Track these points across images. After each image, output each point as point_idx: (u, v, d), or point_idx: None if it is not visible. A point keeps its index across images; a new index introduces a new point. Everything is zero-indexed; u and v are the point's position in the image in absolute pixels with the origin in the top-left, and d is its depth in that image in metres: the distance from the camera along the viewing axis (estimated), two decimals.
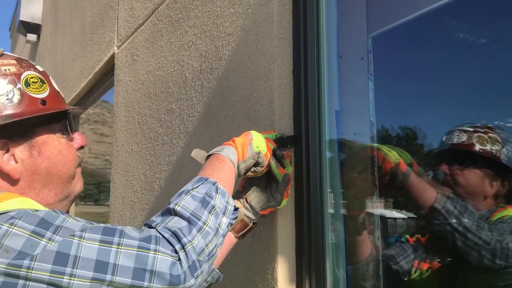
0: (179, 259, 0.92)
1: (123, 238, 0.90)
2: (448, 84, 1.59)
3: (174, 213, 0.99)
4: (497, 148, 1.57)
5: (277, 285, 1.40)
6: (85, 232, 0.89)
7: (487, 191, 1.58)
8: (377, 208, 1.56)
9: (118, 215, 2.84)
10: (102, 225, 0.94)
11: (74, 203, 4.98)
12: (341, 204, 1.50)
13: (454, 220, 1.42)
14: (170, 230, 0.94)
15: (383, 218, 1.69)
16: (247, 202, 1.32)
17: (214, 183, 1.08)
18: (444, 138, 1.66)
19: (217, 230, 1.03)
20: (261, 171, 1.30)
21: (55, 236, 0.87)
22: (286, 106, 1.49)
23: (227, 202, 1.09)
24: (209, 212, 1.02)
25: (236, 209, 1.14)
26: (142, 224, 1.05)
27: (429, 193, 1.49)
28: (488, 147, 1.56)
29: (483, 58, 1.54)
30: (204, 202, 1.03)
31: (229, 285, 1.61)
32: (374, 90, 1.64)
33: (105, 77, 3.56)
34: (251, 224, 1.31)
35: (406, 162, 1.49)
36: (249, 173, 1.30)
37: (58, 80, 4.93)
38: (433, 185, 1.60)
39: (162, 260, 0.90)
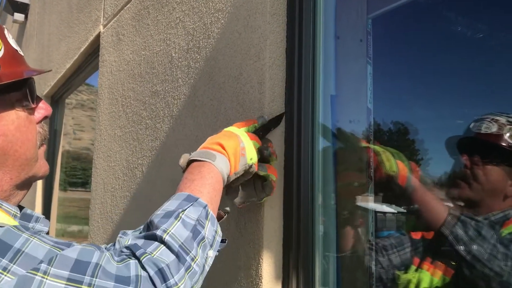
0: None
1: (96, 278, 0.75)
2: (453, 71, 1.48)
3: (162, 241, 0.85)
4: None
5: (261, 281, 1.29)
6: (51, 266, 0.73)
7: (508, 191, 1.42)
8: (371, 202, 1.44)
9: (99, 202, 2.71)
10: (76, 250, 0.78)
11: (63, 189, 4.81)
12: (333, 196, 1.39)
13: (462, 248, 1.29)
14: (156, 266, 0.81)
15: (377, 212, 1.58)
16: (226, 195, 1.20)
17: (205, 207, 0.95)
18: (471, 125, 1.49)
19: (204, 267, 0.90)
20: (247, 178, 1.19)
21: (12, 265, 0.71)
22: (277, 89, 1.37)
23: (216, 232, 0.96)
24: (198, 245, 0.89)
25: (223, 240, 1.02)
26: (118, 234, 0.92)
27: (437, 213, 1.35)
28: None
29: (492, 40, 1.43)
30: (195, 233, 0.90)
31: (210, 280, 1.50)
32: (373, 75, 1.52)
33: (91, 58, 3.42)
34: (225, 216, 1.20)
35: (407, 172, 1.35)
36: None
37: (44, 61, 4.77)
38: (445, 201, 1.46)
39: None
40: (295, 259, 1.28)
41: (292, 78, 1.36)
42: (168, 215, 0.90)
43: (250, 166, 1.13)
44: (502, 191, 1.40)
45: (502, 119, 1.41)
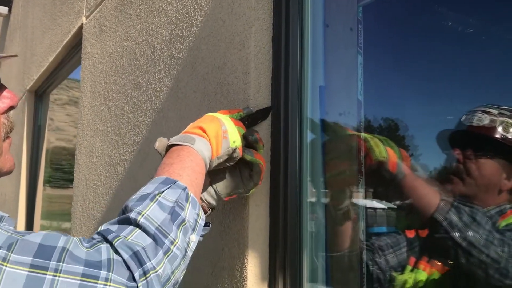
0: None
1: (63, 263, 0.67)
2: (447, 61, 1.41)
3: (136, 224, 0.78)
4: None
5: (246, 283, 1.22)
6: (11, 253, 0.65)
7: (503, 185, 1.37)
8: (362, 197, 1.37)
9: (81, 199, 2.62)
10: (40, 235, 0.70)
11: (47, 187, 4.70)
12: (322, 193, 1.32)
13: (457, 234, 1.22)
14: (131, 249, 0.74)
15: (369, 208, 1.52)
16: (211, 187, 1.13)
17: (184, 189, 0.88)
18: (463, 118, 1.44)
19: (186, 251, 0.83)
20: (231, 165, 1.11)
21: None
22: (263, 79, 1.29)
23: (198, 215, 0.89)
24: (178, 227, 0.82)
25: (207, 224, 0.94)
26: (95, 228, 0.83)
27: (429, 199, 1.29)
28: (511, 134, 1.34)
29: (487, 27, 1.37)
30: (173, 215, 0.82)
31: (193, 280, 1.42)
32: (364, 66, 1.45)
33: (74, 51, 3.31)
34: (209, 211, 1.12)
35: (397, 159, 1.29)
36: (218, 167, 1.10)
37: (28, 55, 4.64)
38: (437, 188, 1.40)
39: None
40: (282, 259, 1.21)
41: (279, 68, 1.28)
42: (143, 198, 0.84)
43: (234, 150, 1.06)
44: (497, 185, 1.35)
45: (494, 111, 1.37)
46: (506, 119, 1.35)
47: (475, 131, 1.37)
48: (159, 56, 1.82)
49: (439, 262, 1.39)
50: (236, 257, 1.25)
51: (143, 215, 0.79)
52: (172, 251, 0.79)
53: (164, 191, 0.85)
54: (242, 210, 1.25)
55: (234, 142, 1.06)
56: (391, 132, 1.54)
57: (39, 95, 4.55)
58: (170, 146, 1.01)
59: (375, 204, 1.54)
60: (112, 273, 0.70)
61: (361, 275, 1.29)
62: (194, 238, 0.86)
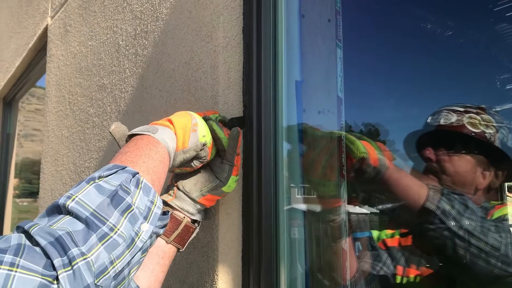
0: (57, 281, 0.57)
1: None
2: (430, 53, 1.30)
3: (65, 210, 0.65)
4: (491, 131, 1.31)
5: None
6: None
7: (479, 183, 1.31)
8: (344, 203, 1.26)
9: None
10: None
11: (16, 199, 4.49)
12: (301, 198, 1.20)
13: (452, 223, 1.13)
14: (51, 235, 0.60)
15: (352, 214, 1.40)
16: (179, 189, 0.99)
17: (134, 174, 0.74)
18: (429, 119, 1.39)
19: (133, 240, 0.68)
20: (197, 167, 0.98)
21: None
22: (233, 73, 1.17)
23: (152, 203, 0.74)
24: (122, 214, 0.68)
25: (165, 213, 0.80)
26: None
27: (417, 189, 1.19)
28: (480, 130, 1.30)
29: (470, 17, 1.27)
30: (114, 198, 0.68)
31: None
32: (343, 60, 1.34)
33: (41, 54, 3.15)
34: (185, 221, 0.98)
35: (377, 153, 1.20)
36: (181, 168, 0.97)
37: None
38: (423, 179, 1.32)
39: (21, 281, 0.55)
40: (256, 274, 1.08)
41: (251, 61, 1.15)
42: (78, 183, 0.70)
43: (203, 145, 0.93)
44: (472, 184, 1.30)
45: (460, 109, 1.31)
46: (473, 115, 1.31)
47: (444, 130, 1.32)
48: (124, 54, 1.68)
49: (432, 260, 1.30)
50: (205, 272, 1.12)
51: (73, 199, 0.65)
52: (111, 237, 0.65)
53: (107, 175, 0.71)
54: (211, 219, 1.12)
55: (203, 136, 0.94)
56: (374, 131, 1.44)
57: (8, 102, 4.36)
58: (130, 137, 0.89)
59: (357, 209, 1.43)
60: (20, 258, 0.56)
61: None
62: (146, 227, 0.71)
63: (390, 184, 1.19)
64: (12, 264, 0.55)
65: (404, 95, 1.34)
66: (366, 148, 1.19)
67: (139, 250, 0.69)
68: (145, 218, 0.72)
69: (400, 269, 1.38)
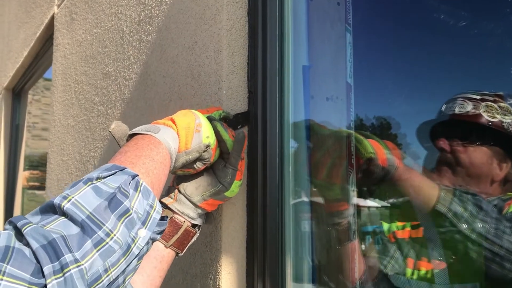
0: None
1: None
2: (445, 42, 1.25)
3: (61, 211, 0.61)
4: (509, 120, 1.25)
5: None
6: None
7: (495, 174, 1.26)
8: (353, 194, 1.21)
9: None
10: None
11: (25, 191, 4.49)
12: (307, 189, 1.15)
13: (464, 226, 1.07)
14: (44, 237, 0.56)
15: (362, 207, 1.36)
16: (180, 192, 0.95)
17: (134, 176, 0.70)
18: (443, 108, 1.33)
19: (129, 247, 0.65)
20: (199, 169, 0.93)
21: None
22: (238, 58, 1.12)
23: (151, 207, 0.71)
24: (118, 218, 0.64)
25: (164, 218, 0.76)
26: None
27: (428, 190, 1.14)
28: (498, 119, 1.24)
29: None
30: (112, 202, 0.65)
31: None
32: (353, 45, 1.29)
33: (49, 43, 3.13)
34: (185, 225, 0.94)
35: (385, 153, 1.15)
36: (183, 169, 0.92)
37: (5, 52, 4.45)
38: (436, 173, 1.27)
39: None
40: (261, 265, 1.04)
41: (256, 44, 1.11)
42: (75, 183, 0.66)
43: (206, 147, 0.89)
44: (488, 175, 1.25)
45: (476, 97, 1.25)
46: (490, 103, 1.25)
47: (459, 119, 1.26)
48: (128, 41, 1.64)
49: (444, 258, 1.25)
50: (208, 263, 1.08)
51: (69, 199, 0.62)
52: (107, 243, 0.61)
53: (105, 177, 0.68)
54: (215, 209, 1.08)
55: (207, 137, 0.89)
56: (383, 123, 1.39)
57: (16, 93, 4.35)
58: (131, 136, 0.85)
59: (368, 202, 1.38)
60: (7, 264, 0.52)
61: (352, 281, 1.13)
62: (144, 233, 0.67)
63: (399, 184, 1.14)
64: None
65: (415, 84, 1.29)
66: (374, 148, 1.14)
67: (135, 257, 0.66)
68: (143, 223, 0.68)
69: (410, 261, 1.33)
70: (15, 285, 0.51)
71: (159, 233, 0.73)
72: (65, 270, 0.55)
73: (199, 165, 0.92)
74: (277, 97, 1.09)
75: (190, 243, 0.95)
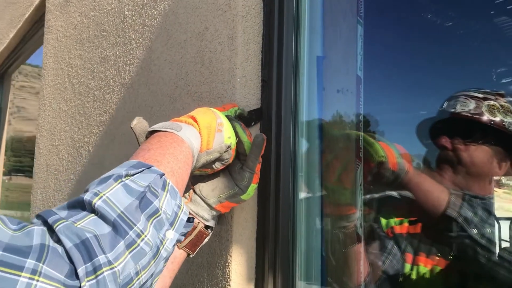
0: None
1: None
2: (456, 37, 1.25)
3: (91, 208, 0.59)
4: (510, 120, 1.26)
5: (229, 284, 1.03)
6: None
7: (495, 173, 1.27)
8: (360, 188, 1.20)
9: (41, 186, 2.38)
10: None
11: (10, 176, 4.39)
12: (318, 182, 1.14)
13: (474, 231, 1.08)
14: (77, 236, 0.54)
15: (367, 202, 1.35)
16: (195, 193, 0.93)
17: (161, 175, 0.68)
18: (445, 105, 1.34)
19: (158, 249, 0.63)
20: (217, 170, 0.91)
21: None
22: (252, 45, 1.10)
23: (179, 208, 0.69)
24: (148, 219, 0.62)
25: (190, 219, 0.74)
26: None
27: (438, 195, 1.14)
28: (499, 118, 1.24)
29: None
30: (143, 201, 0.63)
31: None
32: (364, 37, 1.28)
33: (38, 25, 3.04)
34: (199, 227, 0.91)
35: (396, 157, 1.14)
36: (201, 169, 0.90)
37: None
38: (435, 177, 1.27)
39: None
40: (272, 257, 1.03)
41: (271, 32, 1.09)
42: (104, 179, 0.64)
43: (228, 147, 0.87)
44: (488, 174, 1.25)
45: (478, 95, 1.26)
46: (492, 102, 1.25)
47: (461, 118, 1.26)
48: (130, 25, 1.60)
49: (443, 250, 1.25)
50: (217, 253, 1.06)
51: (101, 197, 0.60)
52: (139, 245, 0.60)
53: (134, 174, 0.66)
54: (224, 225, 1.06)
55: (229, 138, 0.87)
56: (390, 117, 1.38)
57: (0, 76, 4.24)
58: (151, 133, 0.82)
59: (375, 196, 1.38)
60: (43, 264, 0.50)
61: (359, 274, 1.13)
62: (171, 235, 0.66)
63: (409, 188, 1.14)
64: (34, 272, 0.49)
65: (420, 80, 1.28)
66: (385, 151, 1.13)
67: (163, 259, 0.64)
68: (171, 224, 0.67)
69: (409, 257, 1.33)
70: (50, 287, 0.49)
71: (183, 235, 0.71)
72: (98, 272, 0.53)
73: (217, 166, 0.90)
74: (291, 89, 1.07)
75: (202, 244, 0.93)
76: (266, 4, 1.11)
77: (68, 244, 0.53)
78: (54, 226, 0.54)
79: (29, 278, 0.48)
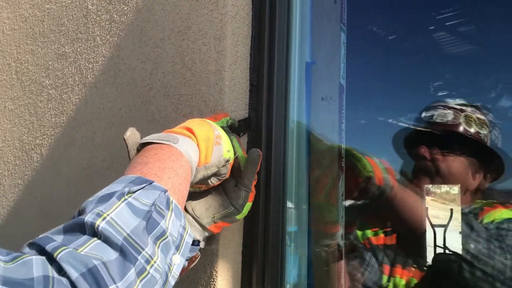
0: None
1: None
2: (446, 44, 1.25)
3: (92, 231, 0.52)
4: (485, 132, 1.28)
5: None
6: None
7: (470, 184, 1.29)
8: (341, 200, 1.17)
9: None
10: None
11: None
12: (305, 195, 1.10)
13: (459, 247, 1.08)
14: (83, 264, 0.47)
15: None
16: (187, 212, 0.85)
17: (164, 192, 0.61)
18: (423, 115, 1.34)
19: (167, 276, 0.56)
20: (212, 186, 0.84)
21: None
22: (241, 48, 1.04)
23: (184, 229, 0.62)
24: (155, 242, 0.56)
25: (196, 243, 0.69)
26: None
27: (422, 210, 1.14)
28: (475, 130, 1.26)
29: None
30: (150, 222, 0.56)
31: None
32: (347, 45, 1.26)
33: None
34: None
35: (382, 172, 1.13)
36: (196, 186, 0.83)
37: None
38: (412, 187, 1.27)
39: None
40: (260, 272, 0.97)
41: (261, 35, 1.04)
42: (105, 198, 0.56)
43: (226, 162, 0.81)
44: (464, 184, 1.28)
45: (456, 106, 1.28)
46: (469, 114, 1.28)
47: (441, 128, 1.28)
48: (94, 20, 1.49)
49: (419, 261, 1.25)
50: (201, 269, 0.99)
51: (104, 217, 0.53)
52: (149, 272, 0.53)
53: (135, 191, 0.58)
54: (213, 246, 0.98)
55: (228, 151, 0.81)
56: (374, 125, 1.37)
57: None
58: (142, 146, 0.74)
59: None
60: None
61: None
62: (178, 260, 0.59)
63: (393, 204, 1.13)
64: None
65: (407, 88, 1.28)
66: (372, 167, 1.11)
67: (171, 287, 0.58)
68: (177, 248, 0.60)
69: (386, 268, 1.32)
70: None
71: (187, 260, 0.64)
72: None
73: (213, 181, 0.83)
74: (283, 93, 1.02)
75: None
76: (255, 5, 1.06)
77: (74, 274, 0.46)
78: (55, 254, 0.47)
79: None
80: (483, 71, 1.34)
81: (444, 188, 1.21)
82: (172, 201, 0.62)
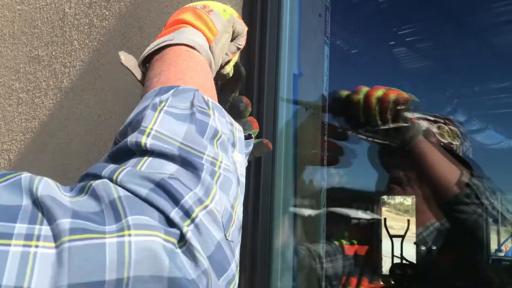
0: (184, 242, 0.40)
1: (41, 226, 0.36)
2: (425, 56, 1.30)
3: (141, 150, 0.46)
4: (457, 143, 1.32)
5: None
6: None
7: None
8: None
9: None
10: None
11: None
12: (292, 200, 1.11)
13: (486, 202, 1.10)
14: (149, 180, 0.42)
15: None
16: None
17: (195, 91, 0.54)
18: None
19: (237, 176, 0.52)
20: (235, 54, 0.79)
21: None
22: None
23: (231, 125, 0.57)
24: (211, 143, 0.50)
25: (248, 136, 0.62)
26: None
27: (448, 164, 1.16)
28: (448, 141, 1.31)
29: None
30: (198, 124, 0.50)
31: None
32: (330, 58, 1.29)
33: None
34: None
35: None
36: (231, 55, 0.77)
37: None
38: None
39: (144, 246, 0.37)
40: (249, 281, 0.97)
41: (253, 47, 1.04)
42: (139, 113, 0.51)
43: (232, 19, 0.75)
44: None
45: (429, 117, 1.34)
46: (442, 125, 1.33)
47: None
48: (72, 23, 1.46)
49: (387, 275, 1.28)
50: None
51: (148, 133, 0.47)
52: (220, 173, 0.48)
53: (166, 99, 0.52)
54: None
55: (224, 10, 0.74)
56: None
57: None
58: (144, 65, 0.68)
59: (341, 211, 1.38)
60: (126, 217, 0.38)
61: None
62: (239, 157, 0.54)
63: (420, 158, 1.14)
64: (120, 229, 0.37)
65: None
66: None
67: (244, 186, 0.53)
68: (233, 145, 0.55)
69: (353, 281, 1.34)
70: (150, 237, 0.38)
71: (247, 155, 0.60)
72: (193, 216, 0.42)
73: (240, 43, 0.79)
74: (272, 101, 1.03)
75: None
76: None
77: (143, 191, 0.41)
78: (114, 177, 0.42)
79: (118, 236, 0.37)
80: (440, 86, 1.39)
81: (399, 199, 1.25)
82: (208, 99, 0.55)
